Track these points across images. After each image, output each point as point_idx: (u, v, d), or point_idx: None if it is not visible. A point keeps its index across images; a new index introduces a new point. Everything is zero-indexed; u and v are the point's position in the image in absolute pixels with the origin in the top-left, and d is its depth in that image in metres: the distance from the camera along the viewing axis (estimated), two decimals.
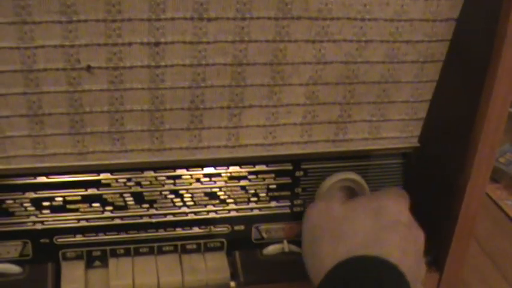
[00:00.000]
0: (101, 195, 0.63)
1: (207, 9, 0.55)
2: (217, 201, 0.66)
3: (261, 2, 0.55)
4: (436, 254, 0.69)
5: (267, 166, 0.65)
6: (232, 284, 0.65)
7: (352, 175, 0.67)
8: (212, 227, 0.67)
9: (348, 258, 0.53)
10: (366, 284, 0.51)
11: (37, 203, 0.63)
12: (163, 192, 0.64)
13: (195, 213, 0.66)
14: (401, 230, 0.56)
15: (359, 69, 0.61)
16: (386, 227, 0.56)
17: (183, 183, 0.64)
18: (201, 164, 0.64)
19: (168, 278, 0.64)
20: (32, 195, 0.62)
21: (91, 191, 0.63)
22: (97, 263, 0.66)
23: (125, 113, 0.59)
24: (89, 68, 0.56)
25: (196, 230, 0.67)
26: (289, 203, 0.68)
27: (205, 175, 0.64)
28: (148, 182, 0.64)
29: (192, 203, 0.65)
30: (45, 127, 0.58)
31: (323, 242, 0.57)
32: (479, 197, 0.66)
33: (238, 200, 0.66)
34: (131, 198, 0.64)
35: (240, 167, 0.65)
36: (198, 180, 0.64)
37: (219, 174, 0.65)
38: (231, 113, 0.61)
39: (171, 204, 0.65)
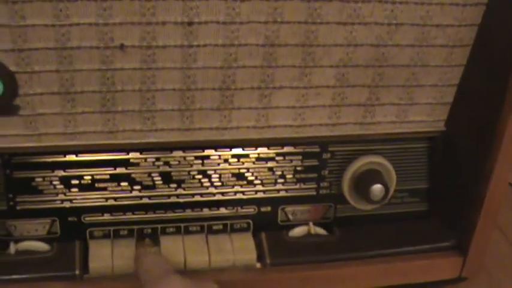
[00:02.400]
0: (129, 174, 0.64)
1: None
2: (245, 182, 0.66)
3: None
4: (460, 238, 0.69)
5: (294, 148, 0.66)
6: (258, 265, 0.66)
7: (379, 158, 0.67)
8: (239, 207, 0.67)
9: None
10: None
11: (66, 181, 0.63)
12: (191, 173, 0.65)
13: (222, 193, 0.66)
14: None
15: (389, 52, 0.61)
16: None
17: (211, 163, 0.65)
18: (230, 145, 0.64)
19: (194, 258, 0.65)
20: (61, 173, 0.63)
21: (120, 170, 0.64)
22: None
23: (156, 92, 0.59)
24: (122, 47, 0.56)
25: (223, 210, 0.67)
26: (315, 185, 0.68)
27: (233, 156, 0.65)
28: (176, 162, 0.64)
29: (219, 183, 0.66)
30: (76, 105, 0.59)
31: None
32: (505, 182, 0.66)
33: (265, 181, 0.67)
34: (159, 178, 0.64)
35: (268, 148, 0.65)
36: (226, 161, 0.65)
37: (247, 155, 0.65)
38: (261, 94, 0.61)
39: (199, 185, 0.65)
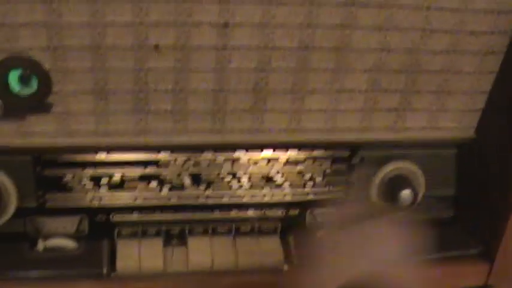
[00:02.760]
0: (159, 174, 0.64)
1: None
2: (274, 185, 0.66)
3: None
4: (486, 246, 0.69)
5: (325, 151, 0.66)
6: (286, 267, 0.66)
7: (408, 164, 0.67)
8: (267, 210, 0.67)
9: None
10: None
11: (96, 180, 0.63)
12: (221, 174, 0.65)
13: (251, 196, 0.66)
14: None
15: (422, 58, 0.61)
16: None
17: (241, 165, 0.65)
18: (261, 146, 0.64)
19: (221, 259, 0.65)
20: (91, 172, 0.63)
21: (150, 170, 0.64)
22: None
23: (189, 92, 0.59)
24: (157, 47, 0.56)
25: (251, 212, 0.67)
26: (344, 189, 0.68)
27: (263, 158, 0.65)
28: (206, 163, 0.64)
29: (248, 185, 0.66)
30: (109, 103, 0.59)
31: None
32: None
33: (294, 184, 0.67)
34: (189, 179, 0.64)
35: (298, 152, 0.65)
36: (255, 163, 0.65)
37: (276, 158, 0.65)
38: (294, 97, 0.61)
39: (228, 186, 0.65)
